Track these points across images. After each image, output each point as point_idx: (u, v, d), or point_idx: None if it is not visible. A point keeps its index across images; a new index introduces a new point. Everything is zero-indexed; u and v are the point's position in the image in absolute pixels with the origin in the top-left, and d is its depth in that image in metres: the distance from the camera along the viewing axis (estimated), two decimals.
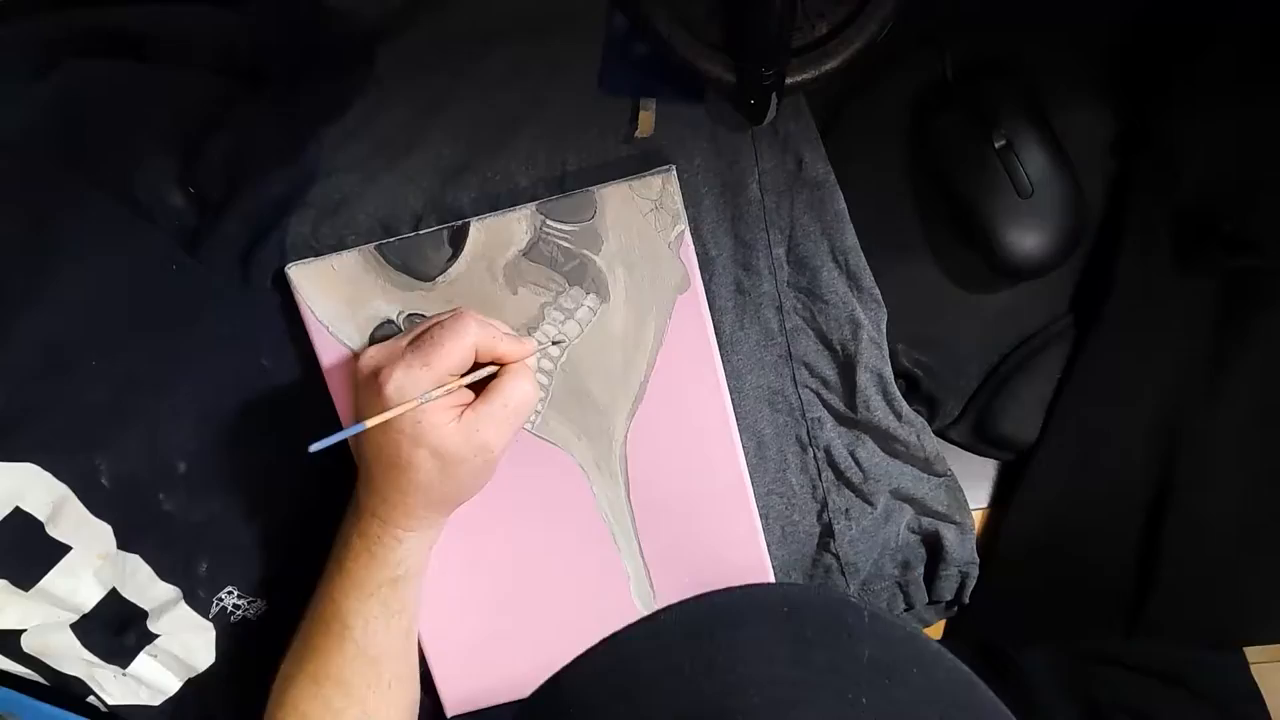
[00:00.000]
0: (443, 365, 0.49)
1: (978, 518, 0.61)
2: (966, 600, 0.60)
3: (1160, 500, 0.58)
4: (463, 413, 0.50)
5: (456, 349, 0.49)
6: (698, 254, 0.55)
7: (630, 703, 0.26)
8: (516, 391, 0.50)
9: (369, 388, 0.50)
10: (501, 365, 0.52)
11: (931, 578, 0.60)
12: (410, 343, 0.50)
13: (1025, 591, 0.60)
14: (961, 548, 0.59)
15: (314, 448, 0.47)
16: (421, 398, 0.48)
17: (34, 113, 0.53)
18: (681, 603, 0.28)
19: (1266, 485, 0.58)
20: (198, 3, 0.54)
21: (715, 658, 0.26)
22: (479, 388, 0.51)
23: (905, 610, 0.61)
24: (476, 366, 0.51)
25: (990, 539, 0.61)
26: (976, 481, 0.61)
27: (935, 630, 0.62)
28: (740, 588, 0.28)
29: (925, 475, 0.59)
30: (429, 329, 0.50)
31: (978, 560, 0.60)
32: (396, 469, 0.50)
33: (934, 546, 0.60)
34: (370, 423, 0.48)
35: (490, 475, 0.52)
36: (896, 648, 0.27)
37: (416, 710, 0.56)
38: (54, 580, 0.55)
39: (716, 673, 0.26)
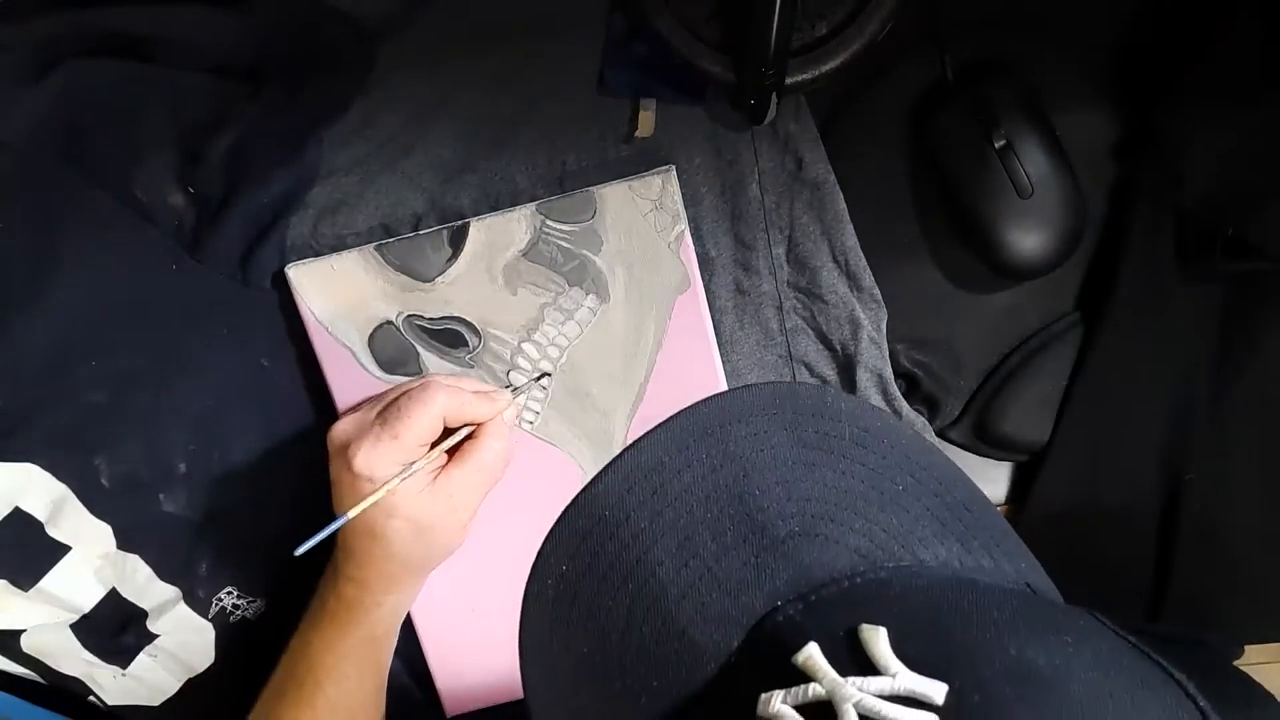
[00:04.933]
0: (410, 437, 0.48)
1: None
2: None
3: (1172, 502, 0.58)
4: (435, 478, 0.50)
5: (423, 419, 0.48)
6: (698, 254, 0.55)
7: (661, 496, 0.30)
8: (489, 454, 0.50)
9: (339, 460, 0.49)
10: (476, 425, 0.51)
11: None
12: (378, 414, 0.49)
13: None
14: None
15: (299, 551, 0.47)
16: (394, 480, 0.48)
17: (35, 113, 0.53)
18: (688, 408, 0.32)
19: (1277, 483, 0.58)
20: (198, 3, 0.54)
21: (727, 448, 0.31)
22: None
23: None
24: (449, 431, 0.50)
25: None
26: (979, 481, 0.61)
27: None
28: (737, 390, 0.33)
29: None
30: (396, 399, 0.50)
31: None
32: (371, 538, 0.50)
33: None
34: (349, 515, 0.48)
35: (466, 534, 0.52)
36: (871, 424, 0.33)
37: None
38: (54, 580, 0.55)
39: (730, 461, 0.31)
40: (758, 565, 0.28)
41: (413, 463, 0.49)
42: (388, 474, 0.48)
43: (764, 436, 0.31)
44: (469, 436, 0.51)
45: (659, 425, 0.32)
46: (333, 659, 0.52)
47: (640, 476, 0.31)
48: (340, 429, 0.50)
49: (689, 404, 0.32)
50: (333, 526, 0.48)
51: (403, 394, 0.50)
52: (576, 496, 0.32)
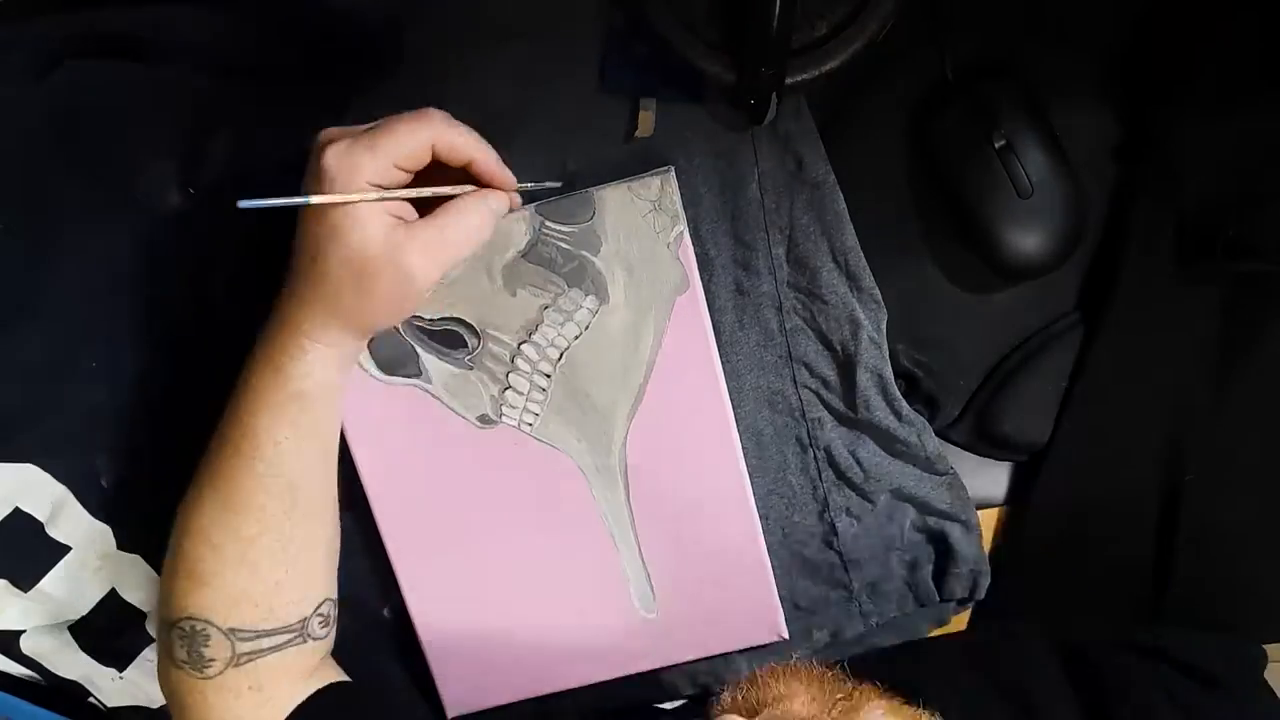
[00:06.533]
0: (387, 150, 0.44)
1: (985, 518, 0.61)
2: (981, 597, 0.60)
3: (1172, 502, 0.58)
4: (395, 225, 0.45)
5: (407, 137, 0.44)
6: (697, 255, 0.55)
7: None
8: (461, 222, 0.46)
9: (313, 159, 0.45)
10: (478, 184, 0.48)
11: (942, 576, 0.60)
12: (369, 126, 0.46)
13: (1042, 592, 0.60)
14: (969, 545, 0.59)
15: (241, 204, 0.42)
16: (355, 195, 0.44)
17: (33, 114, 0.53)
18: None
19: (1277, 483, 0.58)
20: (198, 3, 0.54)
21: None
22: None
23: (919, 608, 0.61)
24: (449, 180, 0.47)
25: (1003, 540, 0.61)
26: (979, 481, 0.61)
27: (959, 622, 0.63)
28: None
29: (927, 475, 0.59)
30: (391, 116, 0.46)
31: (986, 557, 0.60)
32: (311, 261, 0.46)
33: (941, 545, 0.60)
34: (293, 201, 0.43)
35: (410, 310, 0.48)
36: None
37: (337, 550, 0.53)
38: (53, 581, 0.55)
39: None
40: None
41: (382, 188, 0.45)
42: (352, 185, 0.44)
43: None
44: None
45: None
46: (266, 418, 0.48)
47: None
48: (328, 130, 0.46)
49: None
50: (274, 201, 0.43)
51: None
52: None
